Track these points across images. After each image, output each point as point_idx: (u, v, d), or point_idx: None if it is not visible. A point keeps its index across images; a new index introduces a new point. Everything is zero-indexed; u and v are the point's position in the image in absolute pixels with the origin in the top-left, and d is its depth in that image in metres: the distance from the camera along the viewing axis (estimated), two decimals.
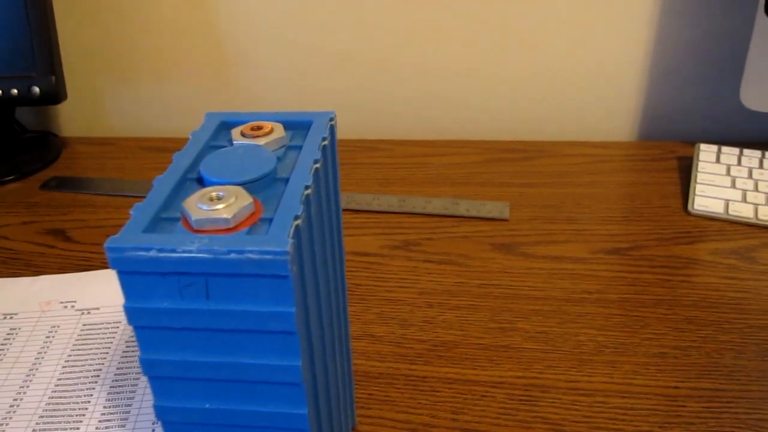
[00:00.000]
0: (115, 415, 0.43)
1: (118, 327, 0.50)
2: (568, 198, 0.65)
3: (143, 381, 0.45)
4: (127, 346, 0.48)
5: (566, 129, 0.79)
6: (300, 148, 0.29)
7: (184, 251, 0.23)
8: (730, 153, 0.66)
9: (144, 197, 0.25)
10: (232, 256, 0.23)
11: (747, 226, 0.59)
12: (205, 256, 0.23)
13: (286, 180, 0.27)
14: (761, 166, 0.64)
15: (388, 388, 0.45)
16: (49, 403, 0.44)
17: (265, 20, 0.77)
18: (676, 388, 0.44)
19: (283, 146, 0.30)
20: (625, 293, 0.52)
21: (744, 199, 0.61)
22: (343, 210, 0.64)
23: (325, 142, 0.30)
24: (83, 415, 0.43)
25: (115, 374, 0.46)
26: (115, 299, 0.53)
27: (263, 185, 0.27)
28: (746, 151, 0.66)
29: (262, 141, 0.29)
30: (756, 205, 0.60)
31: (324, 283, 0.30)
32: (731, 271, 0.54)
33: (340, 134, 0.81)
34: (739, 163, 0.65)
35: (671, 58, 0.73)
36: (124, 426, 0.42)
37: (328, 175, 0.31)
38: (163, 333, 0.25)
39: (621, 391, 0.44)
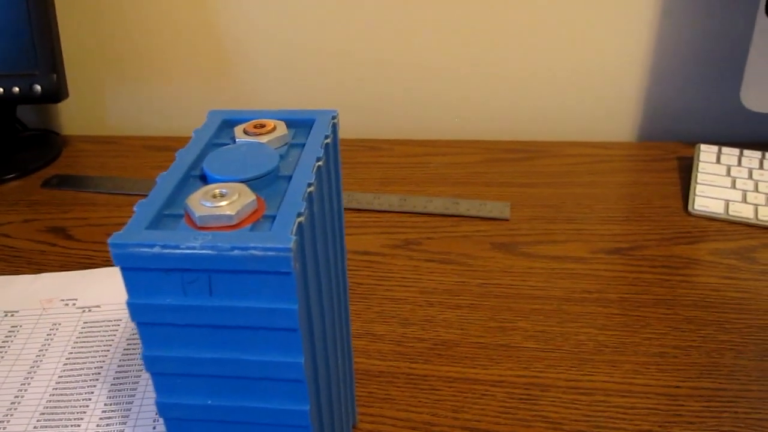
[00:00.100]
0: (117, 412, 0.43)
1: (119, 324, 0.50)
2: (569, 198, 0.65)
3: (144, 378, 0.45)
4: (128, 344, 0.49)
5: (567, 129, 0.79)
6: (303, 146, 0.29)
7: (187, 248, 0.23)
8: (730, 153, 0.66)
9: (145, 195, 0.26)
10: (236, 252, 0.23)
11: (747, 227, 0.59)
12: (209, 252, 0.23)
13: (289, 177, 0.27)
14: (761, 166, 0.64)
15: (388, 386, 0.45)
16: (50, 401, 0.44)
17: (266, 19, 0.77)
18: (677, 387, 0.44)
19: (285, 144, 0.30)
20: (625, 293, 0.52)
21: (744, 200, 0.61)
22: (345, 209, 0.64)
23: (328, 140, 0.30)
24: (84, 412, 0.43)
25: (116, 372, 0.46)
26: (116, 297, 0.53)
27: (266, 183, 0.27)
28: (746, 152, 0.66)
29: (264, 139, 0.29)
30: (756, 205, 0.60)
31: (326, 281, 0.30)
32: (731, 271, 0.54)
33: (342, 134, 0.81)
34: (740, 163, 0.65)
35: (672, 59, 0.74)
36: (125, 423, 0.42)
37: (331, 173, 0.31)
38: (166, 329, 0.25)
39: (621, 391, 0.44)
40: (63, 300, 0.53)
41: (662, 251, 0.57)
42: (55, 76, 0.70)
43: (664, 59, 0.74)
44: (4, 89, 0.70)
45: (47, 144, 0.79)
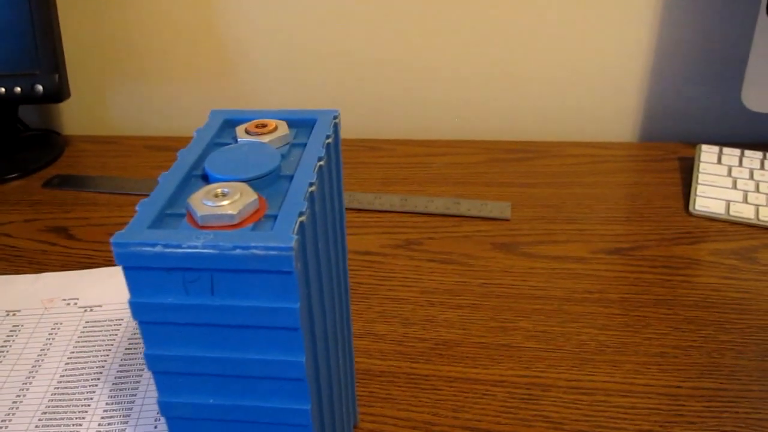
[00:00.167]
0: (118, 411, 0.43)
1: (120, 324, 0.51)
2: (570, 198, 0.65)
3: (146, 378, 0.46)
4: (129, 343, 0.49)
5: (568, 129, 0.79)
6: (304, 145, 0.30)
7: (189, 247, 0.23)
8: (731, 154, 0.66)
9: (146, 195, 0.26)
10: (237, 251, 0.23)
11: (748, 227, 0.59)
12: (210, 251, 0.23)
13: (291, 177, 0.27)
14: (762, 167, 0.64)
15: (389, 386, 0.45)
16: (52, 400, 0.44)
17: (268, 20, 0.77)
18: (678, 387, 0.44)
19: (287, 144, 0.30)
20: (626, 293, 0.52)
21: (745, 200, 0.61)
22: (346, 209, 0.64)
23: (329, 140, 0.30)
24: (86, 411, 0.43)
25: (118, 371, 0.46)
26: (118, 296, 0.53)
27: (268, 182, 0.27)
28: (747, 152, 0.66)
29: (266, 138, 0.29)
30: (757, 205, 0.60)
31: (327, 280, 0.30)
32: (732, 271, 0.54)
33: (343, 134, 0.81)
34: (741, 164, 0.65)
35: (672, 59, 0.74)
36: (126, 422, 0.42)
37: (332, 172, 0.31)
38: (167, 328, 0.25)
39: (622, 390, 0.44)
40: (64, 299, 0.53)
41: (663, 251, 0.57)
42: (56, 76, 0.70)
43: (665, 59, 0.74)
44: (5, 89, 0.70)
45: (49, 144, 0.80)
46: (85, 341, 0.49)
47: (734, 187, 0.63)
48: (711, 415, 0.42)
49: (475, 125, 0.80)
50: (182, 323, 0.25)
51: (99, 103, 0.85)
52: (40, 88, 0.70)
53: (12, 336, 0.50)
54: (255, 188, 0.26)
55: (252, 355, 0.25)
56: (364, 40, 0.77)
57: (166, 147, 0.79)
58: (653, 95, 0.76)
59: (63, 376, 0.46)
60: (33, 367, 0.47)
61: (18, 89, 0.70)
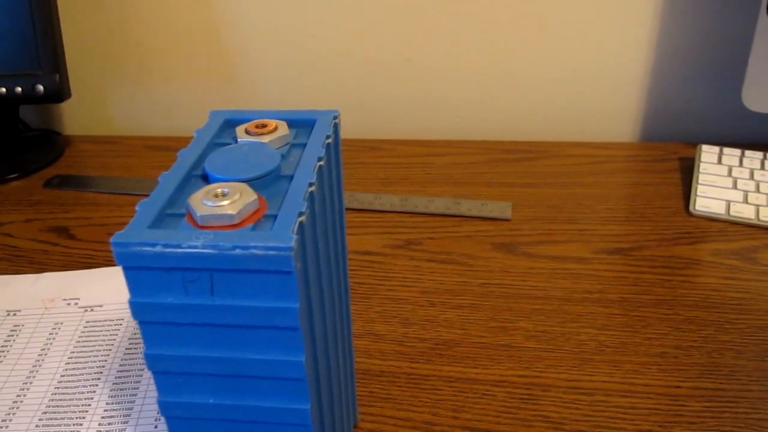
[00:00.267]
0: (118, 411, 0.43)
1: (121, 324, 0.51)
2: (570, 198, 0.65)
3: (146, 377, 0.46)
4: (130, 343, 0.49)
5: (568, 129, 0.79)
6: (304, 145, 0.30)
7: (189, 247, 0.23)
8: (731, 154, 0.66)
9: (146, 195, 0.26)
10: (237, 251, 0.23)
11: (748, 227, 0.59)
12: (210, 251, 0.23)
13: (291, 177, 0.27)
14: (763, 167, 0.64)
15: (389, 386, 0.45)
16: (53, 400, 0.44)
17: (268, 20, 0.77)
18: (677, 387, 0.44)
19: (287, 144, 0.30)
20: (626, 293, 0.52)
21: (745, 200, 0.61)
22: (346, 209, 0.65)
23: (329, 140, 0.30)
24: (86, 411, 0.43)
25: (118, 371, 0.46)
26: (118, 296, 0.53)
27: (267, 182, 0.27)
28: (748, 153, 0.66)
29: (266, 138, 0.29)
30: (757, 206, 0.60)
31: (327, 280, 0.30)
32: (732, 271, 0.54)
33: (343, 134, 0.82)
34: (741, 164, 0.65)
35: (673, 59, 0.74)
36: (126, 422, 0.42)
37: (332, 172, 0.31)
38: (167, 328, 0.25)
39: (622, 391, 0.44)
40: (65, 299, 0.53)
41: (663, 251, 0.57)
42: (57, 76, 0.70)
43: (666, 59, 0.74)
44: (6, 89, 0.70)
45: (49, 144, 0.80)
46: (86, 341, 0.49)
47: (734, 187, 0.63)
48: (711, 415, 0.42)
49: (476, 125, 0.80)
50: (182, 323, 0.25)
51: (99, 103, 0.85)
52: (40, 88, 0.70)
53: (12, 336, 0.50)
54: (255, 188, 0.26)
55: (252, 355, 0.25)
56: (364, 40, 0.77)
57: (166, 147, 0.79)
58: (654, 95, 0.76)
59: (63, 376, 0.46)
60: (33, 366, 0.47)
61: (19, 89, 0.70)
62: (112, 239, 0.23)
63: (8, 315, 0.52)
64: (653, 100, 0.76)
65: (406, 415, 0.43)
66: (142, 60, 0.81)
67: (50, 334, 0.50)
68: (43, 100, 0.70)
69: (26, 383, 0.46)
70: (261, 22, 0.77)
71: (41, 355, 0.48)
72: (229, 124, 0.32)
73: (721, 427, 0.41)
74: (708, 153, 0.67)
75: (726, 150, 0.67)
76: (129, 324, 0.51)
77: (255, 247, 0.23)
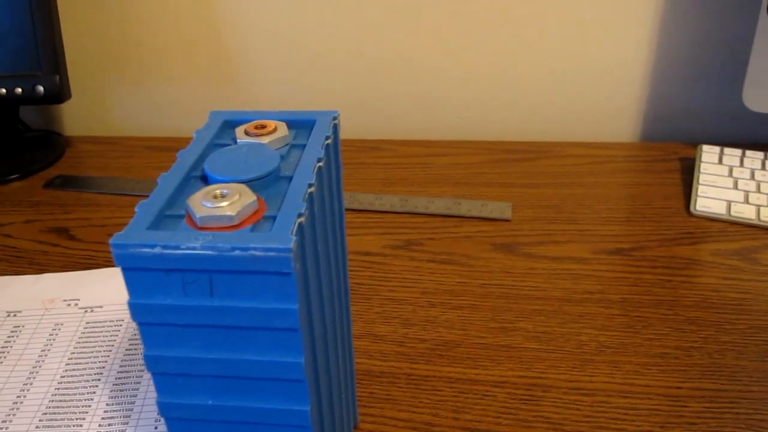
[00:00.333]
0: (118, 412, 0.43)
1: (121, 325, 0.51)
2: (570, 198, 0.65)
3: (146, 378, 0.46)
4: (130, 344, 0.49)
5: (568, 130, 0.79)
6: (303, 146, 0.30)
7: (188, 248, 0.23)
8: (732, 154, 0.66)
9: (147, 196, 0.26)
10: (236, 253, 0.23)
11: (749, 227, 0.59)
12: (209, 253, 0.23)
13: (290, 178, 0.27)
14: (763, 167, 0.64)
15: (389, 386, 0.45)
16: (53, 400, 0.44)
17: (268, 20, 0.77)
18: (678, 388, 0.44)
19: (286, 145, 0.30)
20: (626, 293, 0.52)
21: (746, 201, 0.61)
22: (346, 210, 0.65)
23: (329, 141, 0.30)
24: (86, 412, 0.43)
25: (118, 372, 0.46)
26: (119, 297, 0.53)
27: (267, 183, 0.27)
28: (748, 153, 0.66)
29: (265, 139, 0.29)
30: (758, 206, 0.60)
31: (327, 281, 0.30)
32: (733, 272, 0.54)
33: (343, 134, 0.81)
34: (742, 164, 0.65)
35: (673, 59, 0.74)
36: (127, 423, 0.42)
37: (332, 173, 0.31)
38: (166, 329, 0.25)
39: (622, 391, 0.44)
40: (65, 300, 0.53)
41: (664, 252, 0.57)
42: (57, 77, 0.70)
43: (666, 59, 0.74)
44: (7, 90, 0.70)
45: (50, 145, 0.80)
46: (86, 342, 0.49)
47: (735, 187, 0.62)
48: (711, 416, 0.42)
49: (476, 125, 0.80)
50: (181, 324, 0.25)
51: (100, 104, 0.85)
52: (41, 88, 0.70)
53: (13, 337, 0.50)
54: (254, 189, 0.26)
55: (251, 356, 0.25)
56: (364, 41, 0.77)
57: (167, 147, 0.79)
58: (654, 95, 0.76)
59: (63, 376, 0.46)
60: (34, 367, 0.47)
61: (19, 90, 0.70)
62: (111, 240, 0.23)
63: (8, 316, 0.52)
64: (654, 100, 0.76)
65: (407, 416, 0.43)
66: (142, 60, 0.81)
67: (50, 335, 0.50)
68: (43, 101, 0.70)
69: (26, 384, 0.46)
70: (261, 23, 0.77)
71: (41, 356, 0.48)
72: (229, 124, 0.32)
73: (721, 428, 0.41)
74: (709, 153, 0.67)
75: (727, 150, 0.67)
76: (129, 325, 0.50)
77: (254, 249, 0.23)
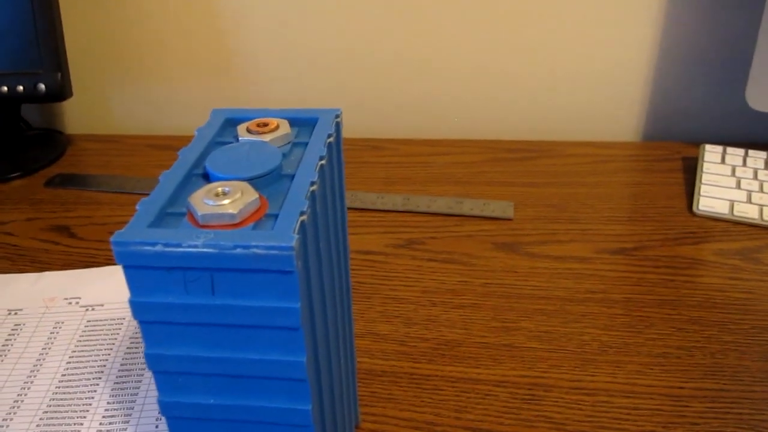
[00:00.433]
0: (119, 410, 0.43)
1: (122, 323, 0.50)
2: (573, 198, 0.65)
3: (147, 377, 0.45)
4: (131, 342, 0.49)
5: (571, 129, 0.79)
6: (306, 144, 0.29)
7: (189, 246, 0.23)
8: (735, 154, 0.66)
9: (148, 194, 0.26)
10: (238, 251, 0.23)
11: (752, 227, 0.59)
12: (211, 251, 0.23)
13: (292, 176, 0.27)
14: (766, 166, 0.64)
15: (391, 386, 0.45)
16: (53, 399, 0.44)
17: (270, 18, 0.77)
18: (680, 388, 0.44)
19: (288, 143, 0.30)
20: (629, 293, 0.52)
21: (749, 200, 0.61)
22: (348, 208, 0.64)
23: (331, 139, 0.30)
24: (87, 411, 0.43)
25: (119, 370, 0.46)
26: (120, 295, 0.53)
27: (269, 181, 0.27)
28: (751, 152, 0.66)
29: (267, 137, 0.29)
30: (761, 206, 0.60)
31: (329, 280, 0.30)
32: (736, 271, 0.54)
33: (345, 133, 0.81)
34: (745, 163, 0.65)
35: (676, 58, 0.73)
36: (127, 422, 0.42)
37: (334, 171, 0.31)
38: (168, 328, 0.25)
39: (625, 391, 0.43)
40: (66, 298, 0.53)
41: (666, 251, 0.56)
42: (59, 74, 0.70)
43: (668, 58, 0.73)
44: (8, 88, 0.70)
45: (51, 143, 0.80)
46: (87, 340, 0.49)
47: (738, 187, 0.62)
48: (714, 416, 0.41)
49: (478, 125, 0.80)
50: (183, 323, 0.25)
51: (101, 102, 0.85)
52: (42, 86, 0.70)
53: (13, 335, 0.50)
54: (256, 187, 0.26)
55: (253, 355, 0.25)
56: (366, 40, 0.77)
57: (168, 146, 0.79)
58: (657, 95, 0.76)
59: (64, 375, 0.46)
60: (34, 366, 0.47)
61: (20, 88, 0.70)
62: (112, 238, 0.23)
63: (9, 314, 0.52)
64: (656, 99, 0.76)
65: (408, 415, 0.42)
66: (144, 59, 0.81)
67: (51, 333, 0.50)
68: (44, 99, 0.70)
69: (27, 383, 0.46)
70: (263, 20, 0.77)
71: (42, 354, 0.48)
72: (231, 122, 0.32)
73: (724, 428, 0.41)
74: (711, 152, 0.67)
75: (729, 149, 0.67)
76: (130, 323, 0.50)
77: (256, 247, 0.22)
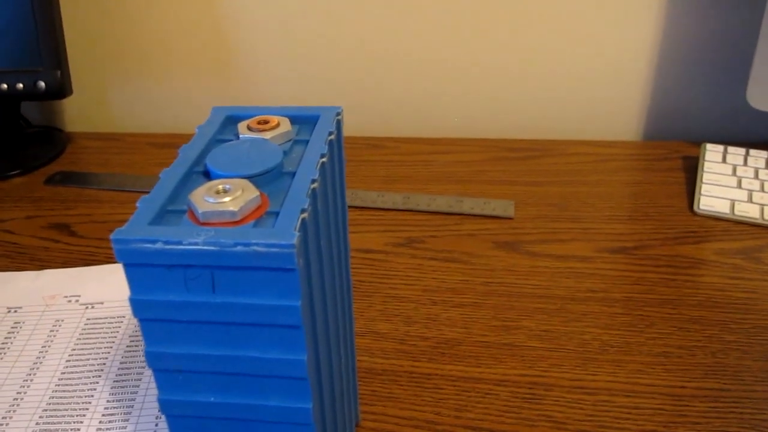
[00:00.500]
0: (119, 409, 0.43)
1: (122, 321, 0.50)
2: (573, 197, 0.64)
3: (147, 375, 0.45)
4: (131, 341, 0.48)
5: (572, 128, 0.78)
6: (306, 142, 0.29)
7: (190, 243, 0.23)
8: (736, 153, 0.66)
9: (149, 192, 0.25)
10: (239, 248, 0.23)
11: (753, 227, 0.59)
12: (211, 248, 0.23)
13: (293, 174, 0.27)
14: (767, 166, 0.64)
15: (391, 384, 0.45)
16: (53, 397, 0.44)
17: (271, 16, 0.77)
18: (682, 387, 0.43)
19: (289, 140, 0.30)
20: (630, 292, 0.52)
21: (750, 200, 0.61)
22: (348, 207, 0.64)
23: (332, 137, 0.30)
24: (87, 409, 0.43)
25: (119, 368, 0.46)
26: (119, 294, 0.53)
27: (270, 179, 0.26)
28: (752, 151, 0.66)
29: (268, 135, 0.29)
30: (762, 205, 0.60)
31: (329, 278, 0.30)
32: (737, 271, 0.54)
33: (346, 132, 0.81)
34: (746, 163, 0.65)
35: (677, 58, 0.73)
36: (127, 420, 0.42)
37: (335, 169, 0.31)
38: (168, 326, 0.25)
39: (626, 390, 0.43)
40: (66, 296, 0.53)
41: (667, 251, 0.56)
42: (59, 72, 0.70)
43: (670, 57, 0.73)
44: (8, 85, 0.70)
45: (51, 140, 0.79)
46: (87, 338, 0.49)
47: (739, 186, 0.62)
48: (715, 415, 0.41)
49: (479, 123, 0.80)
50: (183, 321, 0.25)
51: (101, 100, 0.85)
52: (42, 84, 0.70)
53: (13, 333, 0.50)
54: (257, 185, 0.26)
55: (253, 353, 0.25)
56: (367, 38, 0.77)
57: (168, 144, 0.79)
58: (658, 94, 0.75)
59: (64, 373, 0.46)
60: (34, 364, 0.47)
61: (20, 86, 0.70)
62: (112, 236, 0.23)
63: (9, 312, 0.52)
64: (657, 98, 0.76)
65: (409, 414, 0.42)
66: (144, 56, 0.81)
67: (51, 331, 0.50)
68: (44, 97, 0.70)
69: (27, 381, 0.46)
70: (263, 18, 0.77)
71: (42, 352, 0.48)
72: (231, 120, 0.32)
73: (725, 427, 0.40)
74: (712, 152, 0.66)
75: (731, 149, 0.67)
76: (130, 321, 0.50)
77: (257, 244, 0.22)
